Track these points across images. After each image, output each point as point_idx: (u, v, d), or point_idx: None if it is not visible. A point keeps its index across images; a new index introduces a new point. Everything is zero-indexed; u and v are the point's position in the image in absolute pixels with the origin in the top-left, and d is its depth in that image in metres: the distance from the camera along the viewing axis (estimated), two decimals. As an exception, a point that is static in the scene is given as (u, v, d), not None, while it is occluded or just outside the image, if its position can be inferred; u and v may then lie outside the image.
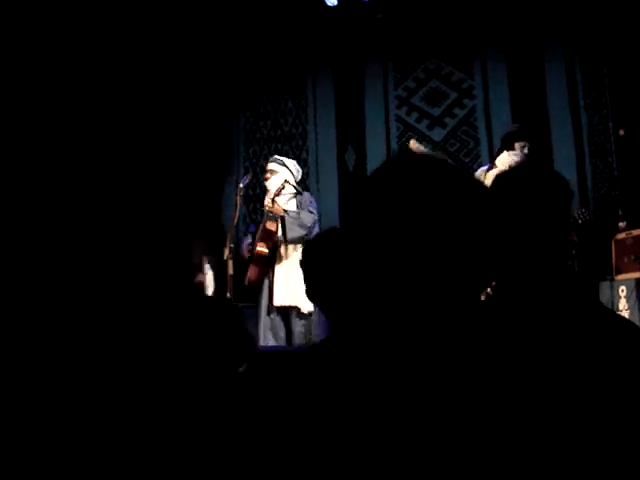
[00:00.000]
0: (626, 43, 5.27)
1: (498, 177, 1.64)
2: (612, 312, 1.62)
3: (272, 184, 4.82)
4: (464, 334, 0.88)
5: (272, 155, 5.37)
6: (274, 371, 0.97)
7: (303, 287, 4.67)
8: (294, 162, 5.10)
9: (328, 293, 1.79)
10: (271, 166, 4.91)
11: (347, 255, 1.81)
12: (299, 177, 5.06)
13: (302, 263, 1.95)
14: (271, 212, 4.69)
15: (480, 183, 0.98)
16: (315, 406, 0.89)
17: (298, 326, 4.48)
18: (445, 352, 0.88)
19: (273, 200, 4.67)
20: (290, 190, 4.80)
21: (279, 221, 4.63)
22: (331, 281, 1.78)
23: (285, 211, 4.66)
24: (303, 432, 0.88)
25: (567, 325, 1.30)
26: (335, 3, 5.79)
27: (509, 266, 1.49)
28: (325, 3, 5.78)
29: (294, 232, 4.56)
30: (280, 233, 4.63)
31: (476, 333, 0.91)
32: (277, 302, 4.52)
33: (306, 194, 4.93)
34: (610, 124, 5.33)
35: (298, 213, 4.66)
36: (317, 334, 4.35)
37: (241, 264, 4.81)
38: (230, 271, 4.70)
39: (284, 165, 4.92)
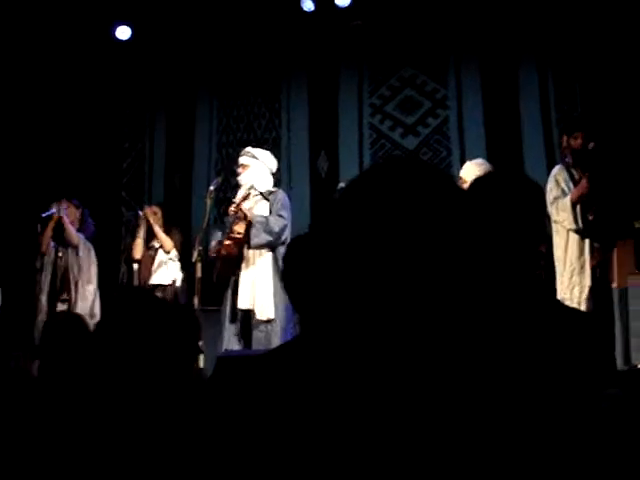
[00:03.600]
0: (598, 61, 5.35)
1: (473, 184, 1.64)
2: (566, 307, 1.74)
3: (244, 179, 4.66)
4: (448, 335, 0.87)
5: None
6: (239, 375, 0.95)
7: (264, 293, 4.54)
8: (267, 153, 4.85)
9: (304, 291, 1.78)
10: (242, 160, 4.70)
11: (325, 257, 1.79)
12: (274, 168, 4.84)
13: (285, 259, 1.92)
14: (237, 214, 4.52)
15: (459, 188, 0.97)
16: (284, 407, 0.86)
17: (257, 331, 4.37)
18: (419, 355, 0.86)
19: (238, 206, 4.51)
20: (258, 192, 4.65)
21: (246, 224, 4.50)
22: (308, 279, 1.76)
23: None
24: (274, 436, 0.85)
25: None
26: (312, 9, 5.78)
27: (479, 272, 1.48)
28: (302, 8, 5.77)
29: (259, 238, 4.40)
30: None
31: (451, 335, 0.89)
32: (241, 305, 4.44)
33: (280, 193, 4.71)
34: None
35: (266, 218, 4.49)
36: (275, 343, 4.19)
37: (209, 266, 4.69)
38: (199, 274, 4.61)
39: (254, 157, 4.70)
